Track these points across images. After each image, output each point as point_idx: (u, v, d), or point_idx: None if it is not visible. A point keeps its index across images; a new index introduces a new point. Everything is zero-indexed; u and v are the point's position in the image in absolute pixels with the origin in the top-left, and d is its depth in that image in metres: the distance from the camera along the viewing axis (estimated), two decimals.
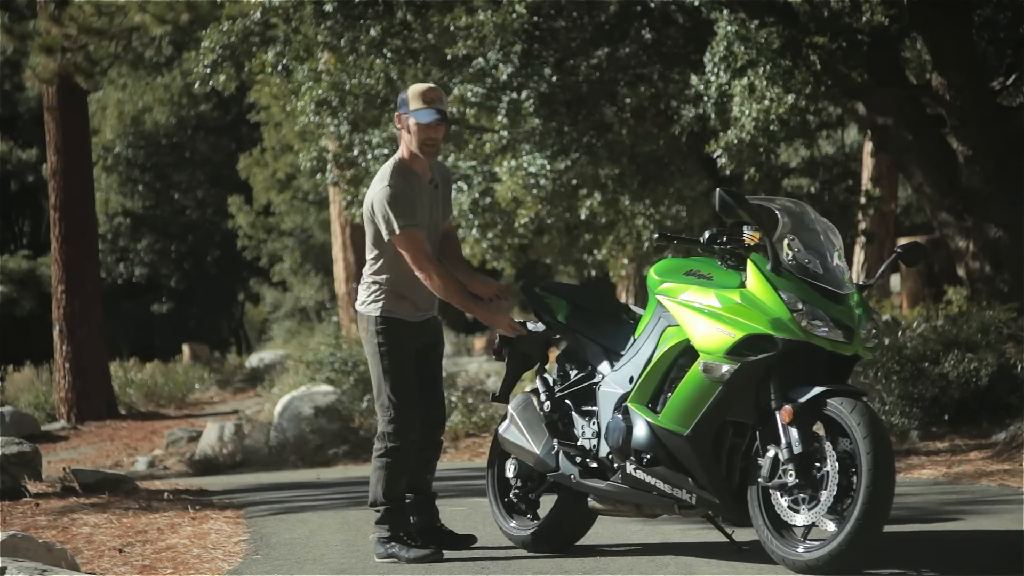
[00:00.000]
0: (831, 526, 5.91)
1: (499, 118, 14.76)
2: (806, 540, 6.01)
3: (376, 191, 6.87)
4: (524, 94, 14.45)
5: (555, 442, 6.90)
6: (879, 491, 5.77)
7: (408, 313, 6.95)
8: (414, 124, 6.86)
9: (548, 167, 15.13)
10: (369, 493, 7.02)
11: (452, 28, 14.55)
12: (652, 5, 14.45)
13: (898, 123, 13.65)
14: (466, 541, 7.15)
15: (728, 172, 13.69)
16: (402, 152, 6.96)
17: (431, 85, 7.09)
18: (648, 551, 6.88)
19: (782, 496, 6.03)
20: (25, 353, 27.23)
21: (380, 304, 6.93)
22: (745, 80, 12.31)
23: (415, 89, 6.93)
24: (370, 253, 6.98)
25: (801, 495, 5.98)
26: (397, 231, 6.79)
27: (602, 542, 7.19)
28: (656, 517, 6.93)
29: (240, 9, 15.38)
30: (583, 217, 16.31)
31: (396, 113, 6.99)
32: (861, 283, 6.47)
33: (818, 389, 6.00)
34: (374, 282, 6.96)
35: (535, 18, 14.22)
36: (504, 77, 14.39)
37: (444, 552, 6.92)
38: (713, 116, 13.14)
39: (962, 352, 11.33)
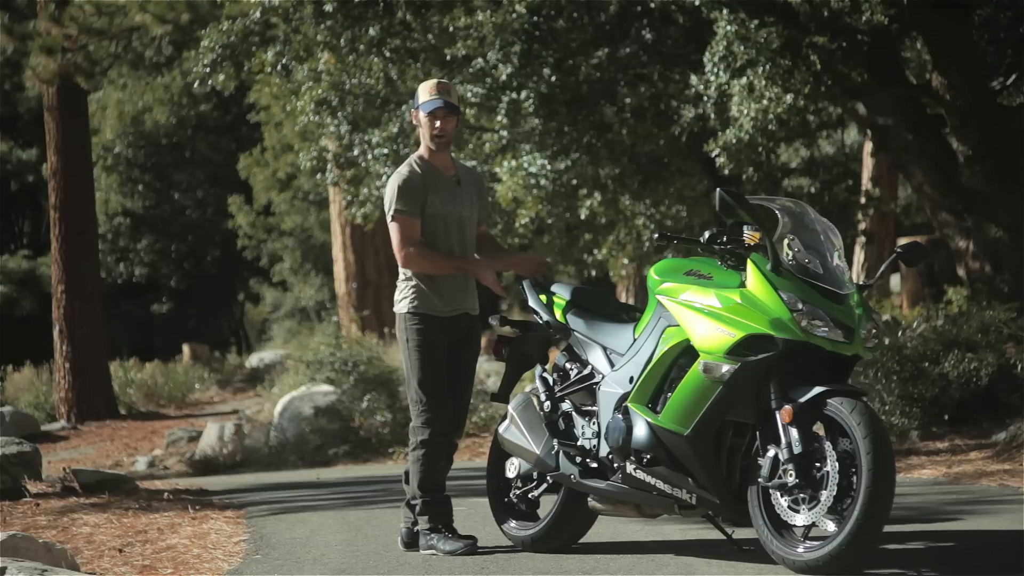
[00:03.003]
0: (831, 526, 5.90)
1: (499, 118, 14.76)
2: (806, 540, 6.01)
3: (390, 179, 7.12)
4: (524, 94, 14.45)
5: (555, 442, 6.90)
6: (879, 491, 5.77)
7: (437, 308, 7.07)
8: (422, 116, 7.09)
9: (548, 167, 15.13)
10: (408, 488, 7.14)
11: (452, 28, 14.55)
12: (652, 5, 14.45)
13: (898, 123, 13.65)
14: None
15: (727, 172, 13.70)
16: (421, 148, 7.21)
17: (441, 80, 7.33)
18: (648, 551, 6.88)
19: (782, 496, 6.03)
20: (25, 353, 27.21)
21: (409, 301, 7.09)
22: (744, 80, 12.31)
23: (424, 84, 7.20)
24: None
25: (801, 495, 5.98)
26: (392, 214, 7.01)
27: (602, 542, 7.19)
28: (656, 517, 6.92)
29: (240, 9, 15.38)
30: (583, 217, 16.31)
31: (412, 111, 7.23)
32: (861, 283, 6.46)
33: (818, 389, 6.00)
34: (404, 279, 7.13)
35: (535, 18, 14.22)
36: (504, 77, 14.38)
37: (477, 540, 6.99)
38: (712, 116, 13.14)
39: (962, 352, 11.33)
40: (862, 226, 16.52)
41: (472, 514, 8.40)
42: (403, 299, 7.12)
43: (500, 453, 7.30)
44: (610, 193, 15.95)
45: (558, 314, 7.07)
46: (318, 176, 18.93)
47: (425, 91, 7.11)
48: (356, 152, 15.99)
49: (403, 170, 7.09)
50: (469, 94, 14.54)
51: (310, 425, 16.33)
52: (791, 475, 5.97)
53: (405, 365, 7.12)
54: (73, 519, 8.90)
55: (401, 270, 7.16)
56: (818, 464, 5.96)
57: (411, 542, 7.19)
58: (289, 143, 30.45)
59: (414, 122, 7.20)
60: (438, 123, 7.06)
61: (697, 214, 16.22)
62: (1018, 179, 13.17)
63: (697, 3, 13.10)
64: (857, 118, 14.60)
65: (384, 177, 15.94)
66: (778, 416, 6.04)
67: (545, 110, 14.63)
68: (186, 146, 37.60)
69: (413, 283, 7.09)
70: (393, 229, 7.03)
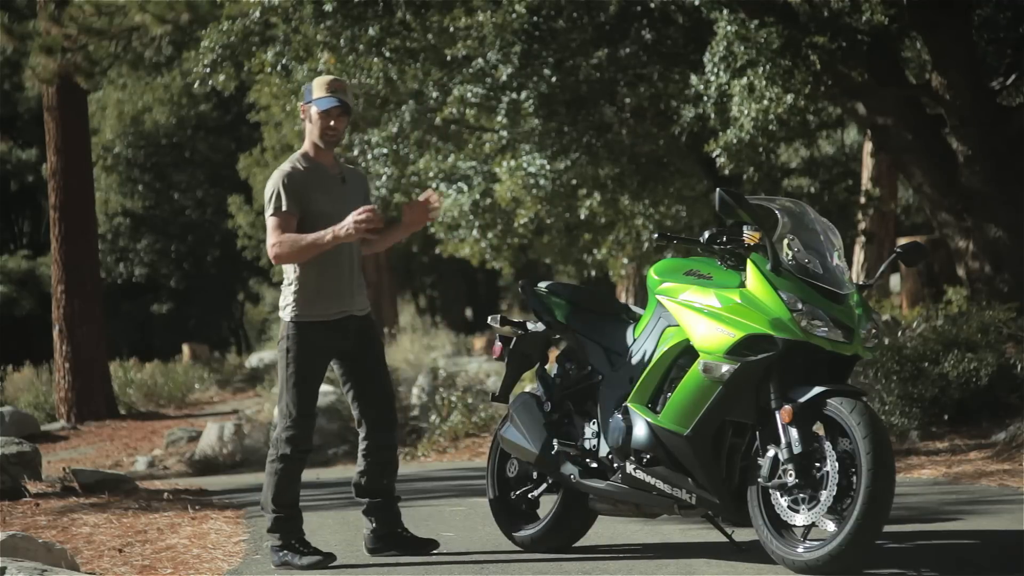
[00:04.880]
0: (831, 526, 5.90)
1: (499, 118, 14.78)
2: (806, 540, 6.00)
3: (273, 175, 6.88)
4: (524, 94, 14.46)
5: (555, 442, 6.89)
6: (879, 491, 5.77)
7: (322, 313, 6.83)
8: (315, 112, 6.86)
9: (548, 167, 15.14)
10: (261, 498, 7.00)
11: (452, 28, 14.55)
12: (652, 5, 14.45)
13: (898, 123, 13.65)
14: (428, 546, 7.07)
15: (727, 172, 13.70)
16: (306, 145, 6.96)
17: (336, 77, 7.12)
18: (648, 551, 6.88)
19: (782, 496, 6.03)
20: (25, 353, 27.23)
21: (291, 308, 6.85)
22: (744, 80, 12.32)
23: (319, 80, 6.94)
24: None
25: (801, 495, 5.98)
26: (274, 212, 6.76)
27: (602, 542, 7.19)
28: (656, 517, 6.92)
29: (240, 9, 15.39)
30: (583, 217, 16.33)
31: (300, 105, 6.99)
32: (861, 283, 6.46)
33: (818, 389, 5.99)
34: (288, 283, 6.90)
35: (535, 18, 14.23)
36: (504, 77, 14.40)
37: (335, 556, 6.87)
38: (712, 116, 13.15)
39: (962, 352, 11.32)
40: (862, 226, 16.53)
41: (472, 514, 8.40)
42: (286, 306, 6.86)
43: (500, 453, 7.29)
44: (610, 193, 15.97)
45: (558, 314, 7.07)
46: None
47: (320, 87, 6.86)
48: (356, 152, 16.01)
49: (286, 167, 6.84)
50: (469, 94, 14.55)
51: None
52: (791, 475, 5.97)
53: (280, 375, 6.86)
54: (73, 519, 8.90)
55: (284, 275, 6.92)
56: (818, 464, 5.96)
57: (375, 548, 7.08)
58: (289, 143, 30.44)
59: (302, 116, 6.97)
60: (332, 122, 6.85)
61: (697, 214, 16.24)
62: (1018, 179, 13.17)
63: (697, 3, 13.11)
64: (857, 118, 14.61)
65: (384, 177, 15.95)
66: (778, 416, 6.03)
67: (545, 110, 14.64)
68: (186, 146, 37.60)
69: (294, 288, 6.84)
70: (270, 225, 6.77)
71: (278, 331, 7.09)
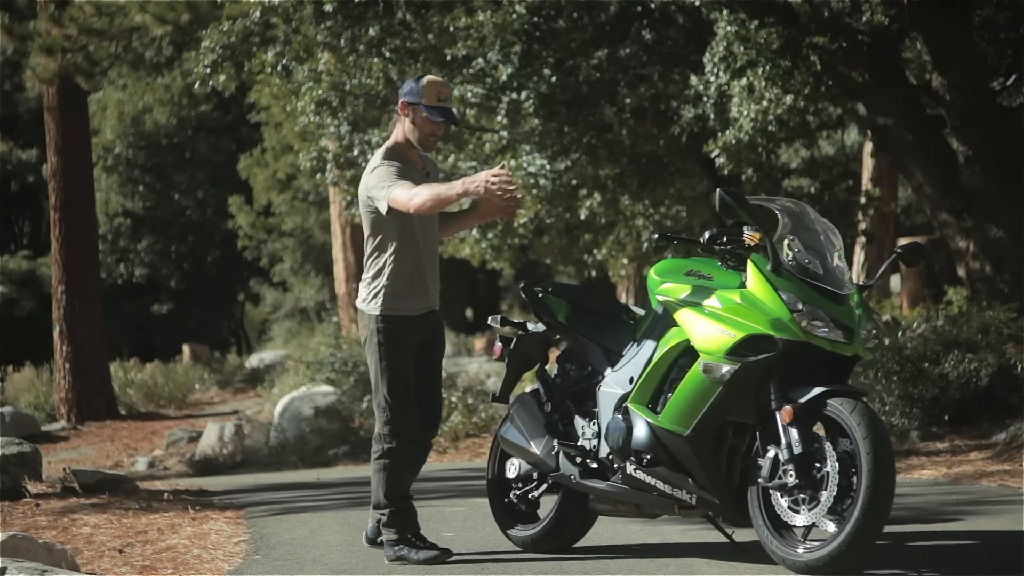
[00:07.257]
0: (831, 526, 5.91)
1: (499, 118, 14.77)
2: (806, 540, 6.01)
3: (371, 169, 6.85)
4: (524, 94, 14.46)
5: (555, 442, 6.89)
6: (879, 491, 5.77)
7: (409, 307, 6.88)
8: (423, 118, 6.86)
9: (548, 167, 15.14)
10: (372, 496, 6.98)
11: (452, 28, 14.55)
12: (652, 5, 14.45)
13: (898, 123, 13.66)
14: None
15: (727, 172, 13.71)
16: (397, 137, 6.96)
17: (444, 81, 7.13)
18: (648, 551, 6.88)
19: (782, 496, 6.03)
20: (25, 353, 27.23)
21: (380, 301, 6.87)
22: (744, 80, 12.33)
23: (432, 84, 6.87)
24: (369, 247, 6.93)
25: (801, 495, 5.98)
26: (390, 181, 6.69)
27: (602, 542, 7.19)
28: (656, 517, 6.92)
29: (240, 9, 15.39)
30: (583, 217, 16.33)
31: (403, 100, 6.92)
32: (861, 283, 6.47)
33: (818, 389, 6.00)
34: (374, 277, 6.89)
35: (535, 18, 14.23)
36: (504, 77, 14.39)
37: (452, 552, 6.86)
38: (712, 116, 13.15)
39: (962, 352, 11.33)
40: (862, 226, 16.52)
41: (472, 514, 8.41)
42: (373, 299, 6.88)
43: (500, 453, 7.29)
44: (610, 193, 15.97)
45: (558, 314, 7.07)
46: (318, 176, 18.95)
47: (433, 94, 6.82)
48: (356, 152, 16.00)
49: (385, 158, 6.82)
50: (469, 94, 14.55)
51: (310, 425, 16.33)
52: (791, 475, 5.97)
53: (372, 369, 6.88)
54: (73, 519, 8.90)
55: (368, 265, 6.93)
56: (818, 464, 5.97)
57: (376, 538, 7.08)
58: (289, 143, 30.44)
59: (402, 113, 6.91)
60: (437, 131, 6.90)
61: (697, 214, 16.24)
62: (1018, 179, 13.19)
63: (697, 3, 13.11)
64: (857, 118, 14.61)
65: None
66: (778, 416, 6.04)
67: (545, 110, 14.63)
68: (186, 147, 37.60)
69: (383, 282, 6.86)
70: (395, 188, 6.64)
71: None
